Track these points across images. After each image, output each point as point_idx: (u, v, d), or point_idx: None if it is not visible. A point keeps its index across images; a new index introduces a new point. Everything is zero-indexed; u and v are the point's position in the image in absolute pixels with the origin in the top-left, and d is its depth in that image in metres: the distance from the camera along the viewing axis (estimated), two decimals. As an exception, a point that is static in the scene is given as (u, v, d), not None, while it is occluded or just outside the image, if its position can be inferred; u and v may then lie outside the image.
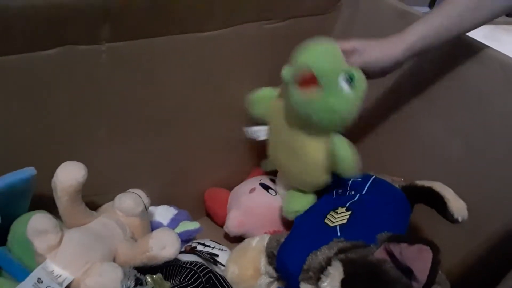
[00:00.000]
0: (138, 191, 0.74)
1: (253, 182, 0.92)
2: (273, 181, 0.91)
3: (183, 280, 0.64)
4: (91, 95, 0.66)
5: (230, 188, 0.95)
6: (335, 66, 0.64)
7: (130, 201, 0.67)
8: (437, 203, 0.69)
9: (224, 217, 0.89)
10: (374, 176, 0.77)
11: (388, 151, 0.84)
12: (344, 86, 0.65)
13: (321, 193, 0.80)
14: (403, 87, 0.82)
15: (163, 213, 0.82)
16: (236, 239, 0.87)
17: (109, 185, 0.73)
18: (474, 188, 0.72)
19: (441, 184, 0.71)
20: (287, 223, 0.87)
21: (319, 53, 0.64)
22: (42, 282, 0.53)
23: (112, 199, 0.69)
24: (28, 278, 0.53)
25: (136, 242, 0.64)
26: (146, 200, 0.74)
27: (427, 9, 0.71)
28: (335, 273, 0.53)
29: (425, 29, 0.65)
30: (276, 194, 0.88)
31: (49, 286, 0.53)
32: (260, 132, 0.83)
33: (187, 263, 0.67)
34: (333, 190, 0.77)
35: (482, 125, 0.72)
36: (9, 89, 0.59)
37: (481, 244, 0.73)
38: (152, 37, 0.66)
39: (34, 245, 0.55)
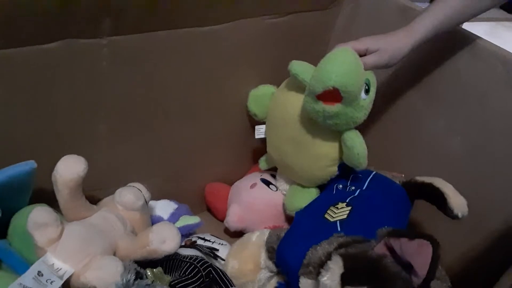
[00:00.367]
0: (139, 185, 0.74)
1: (254, 177, 0.92)
2: (274, 176, 0.91)
3: (183, 274, 0.64)
4: (92, 89, 0.66)
5: (231, 183, 0.95)
6: (359, 82, 0.65)
7: (130, 195, 0.67)
8: (437, 199, 0.69)
9: (224, 212, 0.90)
10: (374, 172, 0.77)
11: (388, 148, 0.84)
12: (363, 96, 0.67)
13: (321, 188, 0.80)
14: (404, 85, 0.82)
15: (164, 208, 0.82)
16: (236, 234, 0.87)
17: (109, 179, 0.73)
18: (474, 185, 0.72)
19: (441, 180, 0.71)
20: (287, 218, 0.88)
21: (345, 70, 0.62)
22: (42, 275, 0.53)
23: (113, 193, 0.69)
24: (28, 271, 0.53)
25: (137, 236, 0.64)
26: (146, 194, 0.75)
27: (427, 4, 0.70)
28: (335, 267, 0.53)
29: (431, 22, 0.66)
30: (276, 190, 0.88)
31: (49, 279, 0.53)
32: None
33: (187, 257, 0.67)
34: (333, 185, 0.77)
35: (482, 122, 0.72)
36: (10, 83, 0.59)
37: (481, 240, 0.73)
38: (153, 31, 0.66)
39: (35, 238, 0.55)
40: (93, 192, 0.70)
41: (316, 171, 0.77)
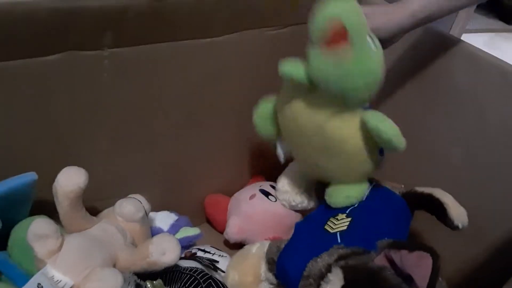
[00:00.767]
0: (139, 197, 0.74)
1: (253, 188, 0.92)
2: (274, 187, 0.91)
3: (183, 286, 0.64)
4: (93, 100, 0.66)
5: (231, 194, 0.94)
6: (363, 22, 0.58)
7: (130, 206, 0.67)
8: (437, 209, 0.69)
9: (224, 224, 0.89)
10: (374, 183, 0.77)
11: (388, 157, 0.84)
12: (371, 45, 0.60)
13: (320, 200, 0.80)
14: (403, 94, 0.82)
15: (164, 219, 0.82)
16: (236, 246, 0.87)
17: (109, 190, 0.73)
18: (474, 194, 0.72)
19: (441, 190, 0.71)
20: (287, 230, 0.87)
21: (348, 6, 0.56)
22: (42, 287, 0.53)
23: (113, 204, 0.69)
24: (28, 284, 0.53)
25: (136, 248, 0.64)
26: (146, 205, 0.74)
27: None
28: (335, 279, 0.52)
29: None
30: (276, 201, 0.88)
31: (49, 292, 0.53)
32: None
33: (187, 269, 0.67)
34: None
35: (481, 132, 0.72)
36: (11, 95, 0.59)
37: (481, 250, 0.73)
38: (154, 43, 0.66)
39: (35, 250, 0.55)
40: (93, 203, 0.70)
41: (360, 167, 0.70)
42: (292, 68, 0.64)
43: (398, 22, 0.65)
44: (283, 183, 0.86)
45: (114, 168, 0.74)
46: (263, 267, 0.74)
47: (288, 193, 0.86)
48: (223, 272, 0.77)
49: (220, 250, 0.84)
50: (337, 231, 0.66)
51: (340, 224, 0.67)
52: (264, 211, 0.87)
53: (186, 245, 0.80)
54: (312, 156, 0.72)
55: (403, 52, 0.80)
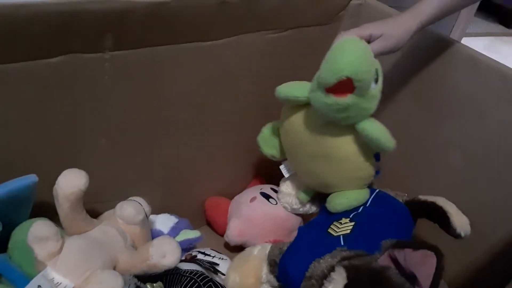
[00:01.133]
0: (139, 199, 0.74)
1: (254, 191, 0.92)
2: (274, 190, 0.91)
3: (183, 288, 0.64)
4: (94, 103, 0.66)
5: (231, 197, 0.95)
6: (371, 71, 0.62)
7: (131, 209, 0.67)
8: (440, 218, 0.69)
9: (225, 226, 0.89)
10: (378, 190, 0.77)
11: (388, 163, 0.84)
12: (373, 85, 0.63)
13: (323, 205, 0.80)
14: (403, 98, 0.82)
15: (164, 222, 0.82)
16: (236, 248, 0.87)
17: (110, 193, 0.73)
18: (474, 198, 0.72)
19: (444, 199, 0.71)
20: (287, 233, 0.87)
21: (357, 59, 0.60)
22: (42, 289, 0.53)
23: (113, 206, 0.69)
24: (28, 286, 0.53)
25: (137, 250, 0.64)
26: (147, 208, 0.74)
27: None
28: (339, 278, 0.52)
29: (436, 5, 0.65)
30: (276, 203, 0.88)
31: (49, 294, 0.53)
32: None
33: (188, 272, 0.67)
34: None
35: (481, 135, 0.72)
36: (12, 97, 0.59)
37: (483, 254, 0.73)
38: (154, 46, 0.67)
39: (35, 252, 0.55)
40: (94, 205, 0.70)
41: (356, 174, 0.72)
42: (287, 89, 0.70)
43: (407, 36, 0.65)
44: (287, 186, 0.87)
45: (114, 170, 0.75)
46: (264, 269, 0.74)
47: (290, 196, 0.86)
48: (223, 274, 0.77)
49: (220, 253, 0.84)
50: (340, 234, 0.66)
51: (343, 227, 0.67)
52: (264, 214, 0.87)
53: (186, 247, 0.80)
54: (310, 165, 0.75)
55: (403, 56, 0.81)
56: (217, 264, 0.79)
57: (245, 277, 0.74)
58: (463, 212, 0.69)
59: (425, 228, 0.74)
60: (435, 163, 0.79)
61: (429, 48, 0.77)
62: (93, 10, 0.57)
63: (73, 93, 0.64)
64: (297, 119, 0.73)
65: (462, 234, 0.67)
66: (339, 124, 0.67)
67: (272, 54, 0.81)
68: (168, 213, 0.85)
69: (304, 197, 0.84)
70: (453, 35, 1.60)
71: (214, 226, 0.95)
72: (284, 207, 0.87)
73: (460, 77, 0.74)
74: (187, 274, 0.66)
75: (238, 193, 0.95)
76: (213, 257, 0.82)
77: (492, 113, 0.70)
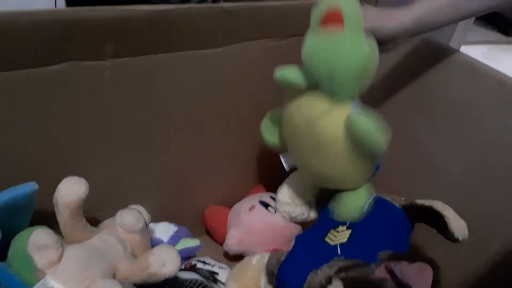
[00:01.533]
0: (139, 208, 0.74)
1: (253, 199, 0.91)
2: (273, 198, 0.91)
3: (183, 297, 0.63)
4: (94, 110, 0.66)
5: (231, 205, 0.94)
6: (360, 12, 0.62)
7: (131, 217, 0.67)
8: (438, 222, 0.69)
9: (224, 235, 0.89)
10: (374, 195, 0.77)
11: (387, 170, 0.84)
12: (365, 38, 0.62)
13: (322, 213, 0.80)
14: (401, 105, 0.83)
15: (164, 230, 0.81)
16: (235, 257, 0.86)
17: (110, 201, 0.73)
18: (474, 205, 0.72)
19: (441, 203, 0.71)
20: (287, 241, 0.87)
21: None
22: (41, 298, 0.53)
23: (113, 215, 0.68)
24: (27, 294, 0.53)
25: (136, 259, 0.64)
26: (146, 216, 0.74)
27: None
28: (336, 291, 0.52)
29: (432, 3, 0.65)
30: (275, 212, 0.88)
31: (49, 302, 0.53)
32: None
33: (187, 281, 0.67)
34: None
35: (480, 141, 0.72)
36: (12, 104, 0.59)
37: (482, 261, 0.73)
38: (154, 53, 0.67)
39: (34, 261, 0.54)
40: (94, 214, 0.69)
41: (352, 169, 0.69)
42: (285, 71, 0.68)
43: (399, 23, 0.65)
44: (284, 194, 0.86)
45: (114, 178, 0.74)
46: (263, 279, 0.73)
47: (288, 204, 0.85)
48: (223, 284, 0.77)
49: (220, 262, 0.84)
50: (337, 243, 0.66)
51: (340, 236, 0.67)
52: (263, 223, 0.87)
53: (186, 256, 0.80)
54: (306, 157, 0.72)
55: (401, 63, 0.81)
56: (217, 273, 0.79)
57: (244, 287, 0.74)
58: (462, 217, 0.69)
59: (423, 232, 0.73)
60: (434, 169, 0.79)
61: (428, 56, 0.78)
62: (94, 18, 0.58)
63: (74, 100, 0.64)
64: (294, 106, 0.70)
65: (460, 238, 0.66)
66: (336, 109, 0.64)
67: (271, 62, 0.81)
68: (168, 221, 0.85)
69: (309, 194, 0.82)
70: (452, 43, 1.61)
71: (214, 235, 0.95)
72: (283, 216, 0.87)
73: (459, 84, 0.74)
74: (187, 283, 0.66)
75: (238, 201, 0.94)
76: (213, 266, 0.81)
77: (490, 119, 0.71)
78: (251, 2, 0.74)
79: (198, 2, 1.22)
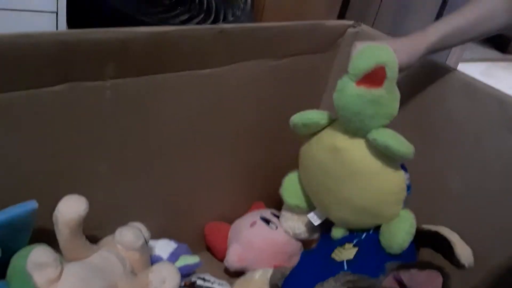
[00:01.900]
0: (139, 225, 0.74)
1: (254, 215, 0.92)
2: (274, 215, 0.91)
3: (182, 315, 0.63)
4: (94, 130, 0.67)
5: (231, 221, 0.94)
6: (397, 63, 0.64)
7: (130, 234, 0.67)
8: (444, 248, 0.69)
9: (224, 251, 0.89)
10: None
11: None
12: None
13: (327, 232, 0.80)
14: (399, 124, 0.83)
15: (163, 247, 0.81)
16: (236, 274, 0.86)
17: (109, 218, 0.73)
18: (474, 223, 0.72)
19: (447, 228, 0.71)
20: (287, 258, 0.87)
21: (392, 55, 0.64)
22: (40, 316, 0.53)
23: (113, 232, 0.68)
24: (27, 313, 0.53)
25: (136, 276, 0.64)
26: (146, 233, 0.74)
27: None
28: (343, 302, 0.52)
29: (444, 28, 0.68)
30: (276, 228, 0.88)
31: (48, 321, 0.53)
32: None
33: (187, 298, 0.66)
34: None
35: (479, 160, 0.73)
36: (14, 124, 0.60)
37: (483, 279, 0.73)
38: (154, 74, 0.68)
39: (34, 279, 0.54)
40: (93, 231, 0.69)
41: (390, 186, 0.69)
42: (300, 115, 0.72)
43: (414, 55, 0.68)
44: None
45: (114, 196, 0.75)
46: (266, 293, 0.73)
47: (294, 220, 0.85)
48: (222, 301, 0.77)
49: (220, 279, 0.84)
50: (344, 259, 0.66)
51: (346, 253, 0.67)
52: (264, 239, 0.87)
53: (186, 273, 0.80)
54: (339, 193, 0.72)
55: (400, 82, 0.81)
56: (217, 290, 0.79)
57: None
58: (464, 236, 0.69)
59: (427, 257, 0.73)
60: (435, 188, 0.80)
61: (426, 75, 0.79)
62: (95, 39, 0.59)
63: (74, 121, 0.64)
64: (316, 144, 0.73)
65: (466, 265, 0.66)
66: (358, 138, 0.68)
67: (270, 81, 0.82)
68: (167, 238, 0.84)
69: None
70: (450, 61, 1.63)
71: (214, 251, 0.95)
72: (286, 231, 0.87)
73: (457, 102, 0.75)
74: (186, 301, 0.66)
75: (238, 217, 0.95)
76: (213, 282, 0.81)
77: (489, 138, 0.71)
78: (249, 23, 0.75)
79: (197, 24, 1.24)
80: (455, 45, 0.70)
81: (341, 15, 1.88)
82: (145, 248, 0.70)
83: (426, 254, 0.73)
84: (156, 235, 0.81)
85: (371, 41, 0.67)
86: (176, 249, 0.82)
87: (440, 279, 0.50)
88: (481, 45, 2.54)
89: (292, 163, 0.82)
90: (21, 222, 0.61)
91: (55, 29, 1.12)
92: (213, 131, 0.81)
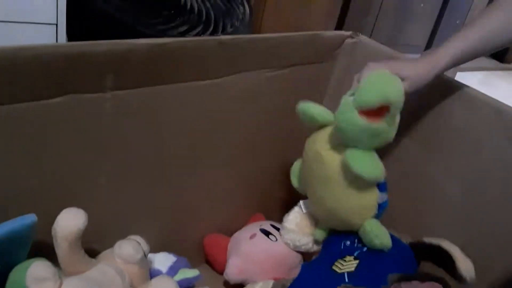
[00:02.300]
0: (138, 238, 0.74)
1: (254, 227, 0.91)
2: (274, 226, 0.91)
3: (182, 329, 0.63)
4: (94, 142, 0.67)
5: (230, 234, 0.94)
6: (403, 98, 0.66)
7: (129, 248, 0.67)
8: (445, 261, 0.69)
9: (224, 264, 0.88)
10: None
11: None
12: (398, 116, 0.68)
13: (328, 244, 0.80)
14: (399, 136, 0.83)
15: (162, 260, 0.81)
16: (236, 286, 0.86)
17: (108, 232, 0.73)
18: (474, 231, 0.72)
19: (448, 242, 0.70)
20: (287, 270, 0.86)
21: (399, 88, 0.65)
22: (39, 332, 0.52)
23: (112, 245, 0.68)
24: (25, 328, 0.52)
25: (135, 290, 0.63)
26: (145, 247, 0.74)
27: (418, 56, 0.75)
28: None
29: (459, 47, 0.67)
30: (276, 240, 0.87)
31: (46, 336, 0.52)
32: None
33: (186, 311, 0.66)
34: (340, 241, 0.76)
35: (479, 169, 0.73)
36: (13, 136, 0.60)
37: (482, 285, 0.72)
38: (154, 85, 0.68)
39: (33, 293, 0.54)
40: (92, 245, 0.69)
41: (361, 199, 0.72)
42: (304, 104, 0.74)
43: (429, 78, 0.68)
44: (291, 222, 0.86)
45: (113, 209, 0.74)
46: (265, 306, 0.73)
47: (294, 232, 0.85)
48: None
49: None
50: (344, 272, 0.66)
51: (347, 265, 0.67)
52: (264, 251, 0.87)
53: (186, 287, 0.79)
54: (317, 190, 0.76)
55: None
56: (216, 303, 0.78)
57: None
58: (463, 244, 0.69)
59: (428, 270, 0.73)
60: (434, 196, 0.80)
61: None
62: (95, 52, 0.59)
63: (74, 133, 0.64)
64: (310, 143, 0.76)
65: (468, 279, 0.66)
66: (341, 147, 0.70)
67: (269, 91, 0.82)
68: (167, 251, 0.84)
69: (320, 234, 0.83)
70: (447, 71, 1.64)
71: (214, 264, 0.94)
72: (286, 243, 0.86)
73: (456, 112, 0.75)
74: (186, 314, 0.65)
75: (238, 230, 0.94)
76: (212, 296, 0.81)
77: (488, 147, 0.71)
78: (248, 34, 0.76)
79: (197, 35, 1.25)
80: (471, 59, 0.70)
81: (340, 23, 1.89)
82: (144, 261, 0.69)
83: (427, 267, 0.73)
84: (155, 248, 0.81)
85: (384, 63, 0.68)
86: (175, 263, 0.81)
87: (441, 290, 0.50)
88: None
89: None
90: (20, 236, 0.60)
91: (55, 41, 1.13)
92: (213, 142, 0.81)
